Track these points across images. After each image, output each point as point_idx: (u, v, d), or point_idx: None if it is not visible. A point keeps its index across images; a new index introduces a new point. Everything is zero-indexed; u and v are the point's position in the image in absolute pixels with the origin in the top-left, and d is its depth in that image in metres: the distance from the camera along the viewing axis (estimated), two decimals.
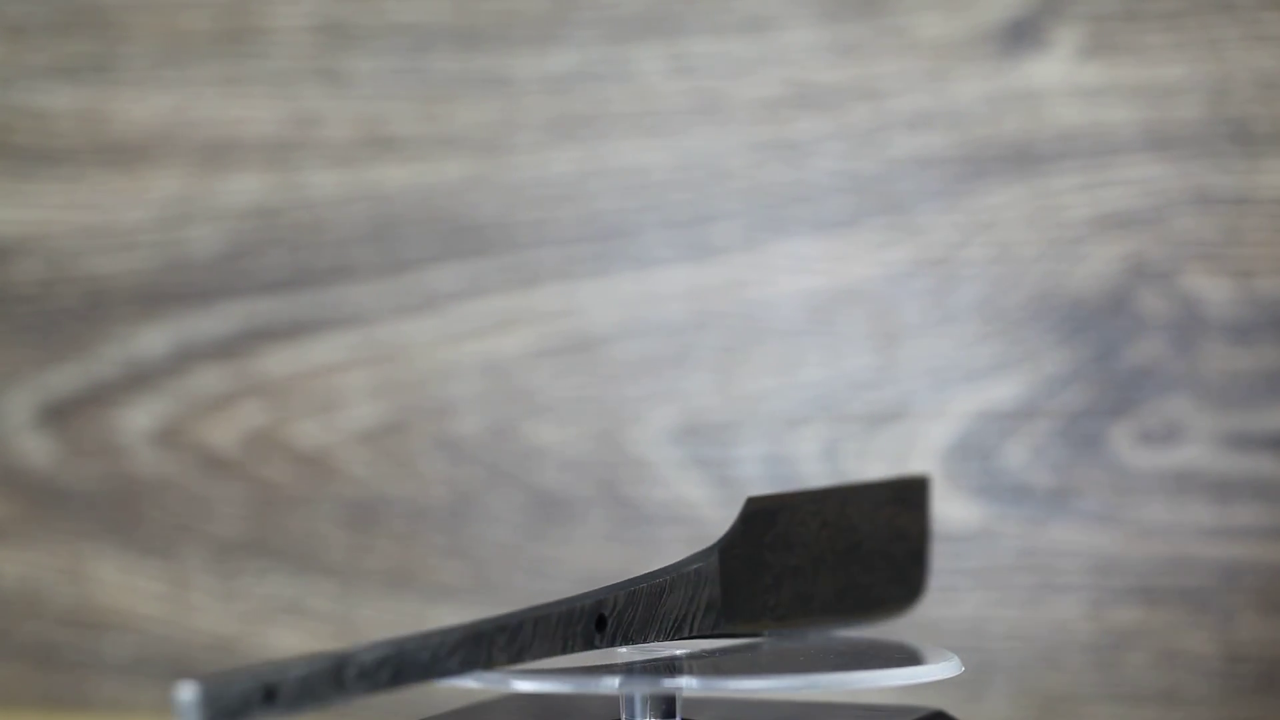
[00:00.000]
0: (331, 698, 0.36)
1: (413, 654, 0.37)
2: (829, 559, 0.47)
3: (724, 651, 0.44)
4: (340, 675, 0.36)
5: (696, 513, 0.67)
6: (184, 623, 0.71)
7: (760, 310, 0.66)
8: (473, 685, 0.39)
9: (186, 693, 0.34)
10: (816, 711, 0.46)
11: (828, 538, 0.47)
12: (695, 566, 0.43)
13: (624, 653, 0.45)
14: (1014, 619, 0.64)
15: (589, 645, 0.41)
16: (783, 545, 0.45)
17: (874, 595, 0.48)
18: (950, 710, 0.47)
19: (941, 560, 0.64)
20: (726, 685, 0.39)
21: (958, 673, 0.42)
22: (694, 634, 0.43)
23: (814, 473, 0.66)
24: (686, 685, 0.39)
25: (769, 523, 0.45)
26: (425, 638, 0.38)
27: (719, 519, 0.66)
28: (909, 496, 0.50)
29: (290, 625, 0.70)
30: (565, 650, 0.40)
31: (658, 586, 0.43)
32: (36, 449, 0.73)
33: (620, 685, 0.39)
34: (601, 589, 0.42)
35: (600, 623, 0.41)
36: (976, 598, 0.64)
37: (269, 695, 0.35)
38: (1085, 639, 0.63)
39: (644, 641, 0.43)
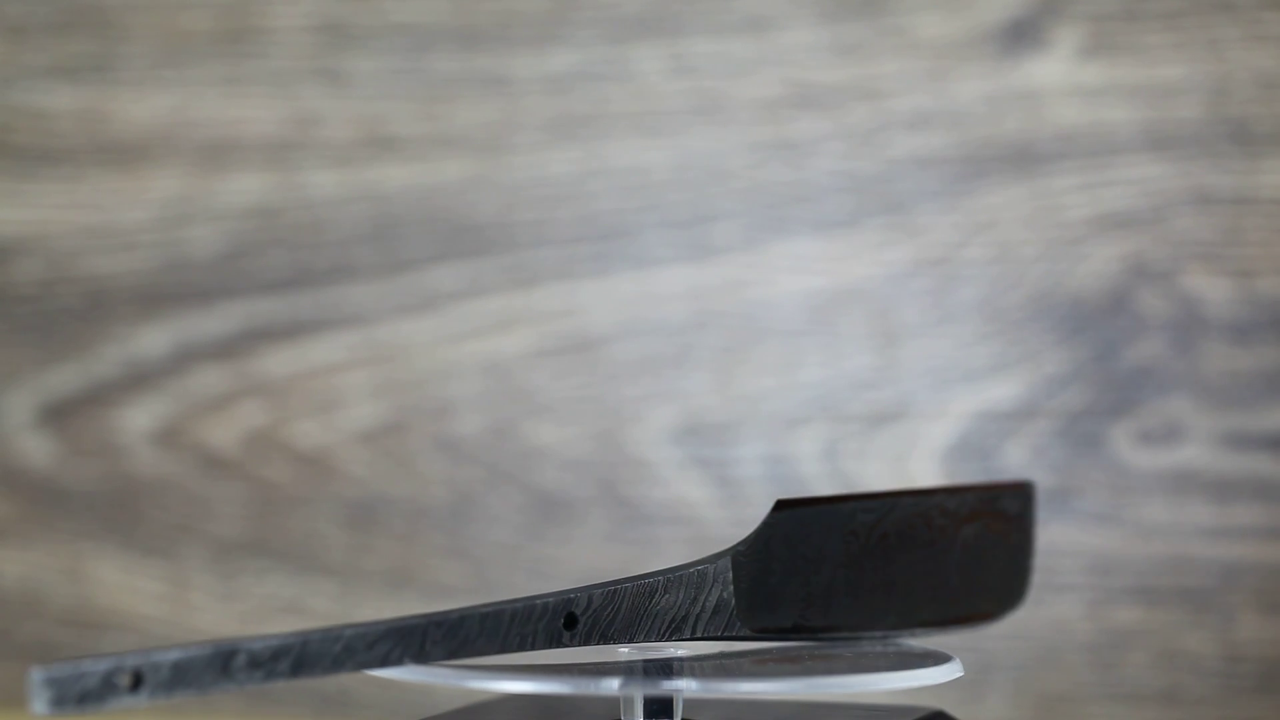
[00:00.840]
0: (215, 685, 0.37)
1: (318, 645, 0.39)
2: (889, 566, 0.45)
3: (725, 653, 0.44)
4: (227, 664, 0.37)
5: (696, 513, 0.67)
6: (184, 623, 0.71)
7: (760, 310, 0.66)
8: (459, 685, 0.39)
9: (38, 676, 0.34)
10: (816, 712, 0.46)
11: (887, 544, 0.45)
12: (698, 568, 0.43)
13: (625, 652, 0.45)
14: (1014, 619, 0.64)
15: (555, 643, 0.41)
16: (825, 551, 0.44)
17: (952, 605, 0.46)
18: (950, 710, 0.47)
19: None
20: (726, 687, 0.39)
21: (958, 676, 0.42)
22: (700, 636, 0.43)
23: (814, 473, 0.66)
24: (686, 687, 0.39)
25: (804, 527, 0.44)
26: (336, 630, 0.39)
27: (719, 519, 0.66)
28: (1005, 503, 0.47)
29: (290, 625, 0.70)
30: (526, 647, 0.41)
31: (646, 586, 0.43)
32: (36, 449, 0.73)
33: (620, 687, 0.39)
34: (577, 587, 0.42)
35: (570, 620, 0.42)
36: None
37: (136, 682, 0.36)
38: (1085, 639, 0.64)
39: (632, 641, 0.43)
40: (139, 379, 0.72)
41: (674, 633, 0.43)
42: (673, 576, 0.43)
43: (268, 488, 0.71)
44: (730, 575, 0.43)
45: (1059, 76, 0.64)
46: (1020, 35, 0.64)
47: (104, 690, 0.36)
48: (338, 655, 0.39)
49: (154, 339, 0.72)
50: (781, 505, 0.44)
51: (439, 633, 0.40)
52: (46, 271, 0.73)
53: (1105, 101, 0.63)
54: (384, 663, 0.39)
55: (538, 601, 0.41)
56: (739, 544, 0.43)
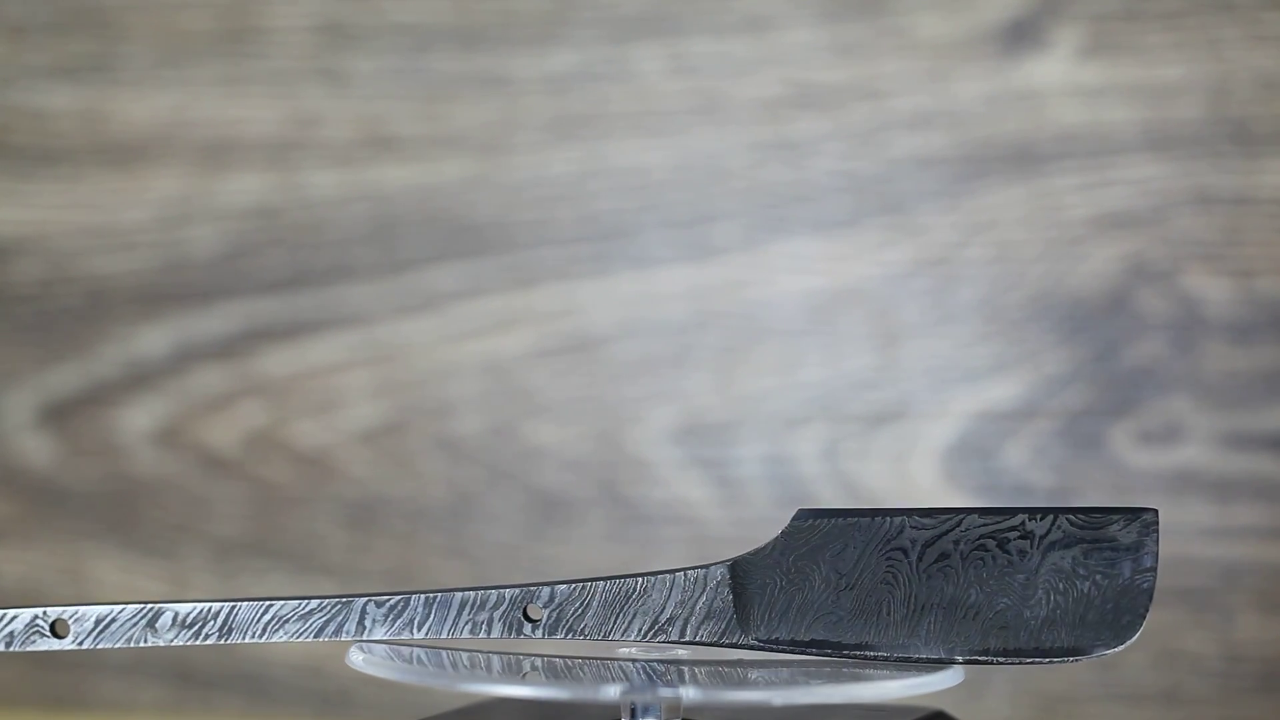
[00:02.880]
0: (140, 640, 0.44)
1: (246, 612, 0.44)
2: (955, 587, 0.42)
3: (727, 659, 0.44)
4: (153, 622, 0.44)
5: (696, 513, 0.67)
6: None
7: (760, 310, 0.66)
8: (457, 688, 0.40)
9: None
10: (816, 712, 0.46)
11: (942, 564, 0.42)
12: (690, 571, 0.43)
13: (625, 652, 0.45)
14: None
15: (516, 632, 0.43)
16: (857, 564, 0.42)
17: (1029, 636, 0.42)
18: (950, 710, 0.47)
19: None
20: (727, 696, 0.39)
21: (958, 681, 0.42)
22: (692, 640, 0.43)
23: (814, 473, 0.66)
24: (687, 695, 0.39)
25: (829, 539, 0.42)
26: (268, 600, 0.44)
27: (719, 519, 0.66)
28: (1115, 529, 0.42)
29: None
30: (480, 634, 0.43)
31: (623, 586, 0.43)
32: (36, 449, 0.73)
33: (622, 694, 0.39)
34: (543, 581, 0.44)
35: (529, 612, 0.43)
36: None
37: (55, 631, 0.44)
38: None
39: (611, 639, 0.43)
40: (139, 379, 0.72)
41: (657, 634, 0.43)
42: (659, 578, 0.43)
43: (268, 488, 0.71)
44: (727, 582, 0.43)
45: (1059, 76, 0.64)
46: (1020, 35, 0.64)
47: (28, 633, 0.44)
48: (267, 623, 0.44)
49: (154, 339, 0.72)
50: (804, 515, 0.43)
51: (380, 611, 0.43)
52: (46, 271, 0.73)
53: (1105, 101, 0.63)
54: (319, 634, 0.43)
55: (494, 590, 0.43)
56: (751, 552, 0.43)
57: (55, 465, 0.73)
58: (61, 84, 0.72)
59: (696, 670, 0.43)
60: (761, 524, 0.64)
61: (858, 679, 0.41)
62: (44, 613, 0.44)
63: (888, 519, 0.42)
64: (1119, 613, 0.41)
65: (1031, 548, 0.42)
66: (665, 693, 0.39)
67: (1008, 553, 0.42)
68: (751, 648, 0.42)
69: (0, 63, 0.73)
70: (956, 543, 0.42)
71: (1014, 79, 0.64)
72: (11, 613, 0.44)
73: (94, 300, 0.72)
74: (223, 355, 0.71)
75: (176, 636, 0.44)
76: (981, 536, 0.42)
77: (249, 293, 0.71)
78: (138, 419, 0.72)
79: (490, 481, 0.69)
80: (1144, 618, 0.42)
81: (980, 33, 0.64)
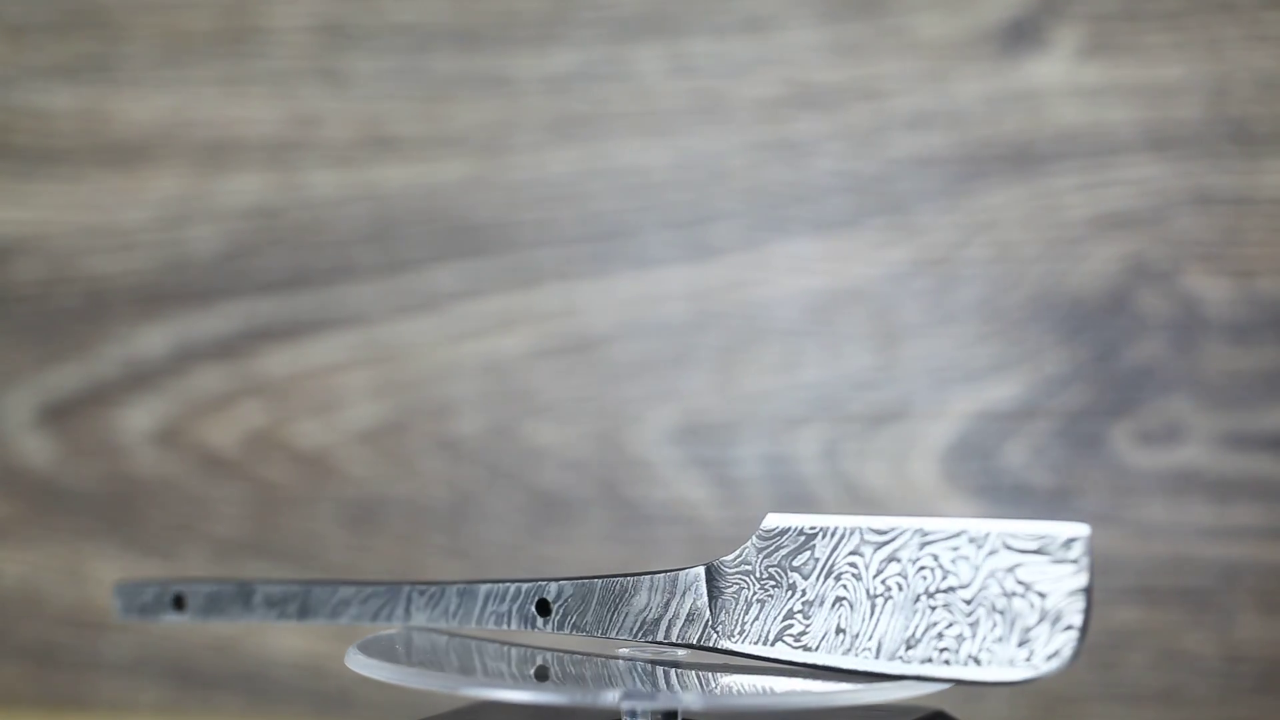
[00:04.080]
0: (237, 615, 0.50)
1: (319, 595, 0.49)
2: (897, 600, 0.40)
3: (729, 661, 0.44)
4: (248, 599, 0.50)
5: (696, 513, 0.67)
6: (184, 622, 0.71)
7: (760, 310, 0.66)
8: (456, 692, 0.40)
9: (116, 592, 0.52)
10: (817, 713, 0.46)
11: (895, 577, 0.40)
12: (669, 572, 0.43)
13: (624, 652, 0.46)
14: None
15: (531, 625, 0.45)
16: (822, 572, 0.41)
17: (963, 659, 0.40)
18: (950, 710, 0.47)
19: None
20: (726, 702, 0.39)
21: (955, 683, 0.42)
22: (674, 641, 0.43)
23: (814, 473, 0.66)
24: (685, 700, 0.39)
25: (798, 545, 0.42)
26: (335, 585, 0.49)
27: (719, 519, 0.66)
28: (1051, 549, 0.39)
29: (290, 625, 0.70)
30: (502, 625, 0.45)
31: (616, 585, 0.43)
32: (36, 449, 0.73)
33: (621, 700, 0.39)
34: (553, 577, 0.45)
35: (543, 607, 0.44)
36: None
37: (178, 602, 0.51)
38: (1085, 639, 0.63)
39: (604, 636, 0.43)
40: (139, 379, 0.72)
41: (645, 634, 0.43)
42: (641, 579, 0.43)
43: (268, 488, 0.71)
44: (703, 585, 0.43)
45: (1059, 76, 0.64)
46: (1020, 35, 0.64)
47: (156, 605, 0.51)
48: (335, 605, 0.49)
49: (154, 339, 0.72)
50: (772, 519, 0.42)
51: (421, 599, 0.46)
52: (46, 271, 0.73)
53: (1105, 101, 0.63)
54: (375, 618, 0.48)
55: (512, 584, 0.45)
56: (726, 556, 0.43)
57: (55, 465, 0.73)
58: (61, 84, 0.72)
59: (696, 673, 0.43)
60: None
61: (858, 683, 0.41)
62: (168, 587, 0.51)
63: (843, 526, 0.41)
64: (1049, 636, 0.39)
65: (971, 565, 0.40)
66: (663, 698, 0.39)
67: (950, 569, 0.40)
68: (728, 654, 0.42)
69: (0, 63, 0.73)
70: (901, 559, 0.40)
71: (1014, 79, 0.64)
72: (143, 584, 0.52)
73: (94, 300, 0.72)
74: (223, 355, 0.71)
75: (266, 614, 0.49)
76: (926, 551, 0.40)
77: (249, 293, 0.71)
78: (138, 419, 0.72)
79: (490, 481, 0.69)
80: (1079, 639, 0.39)
81: (980, 33, 0.64)
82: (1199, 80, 0.62)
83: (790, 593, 0.41)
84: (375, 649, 0.44)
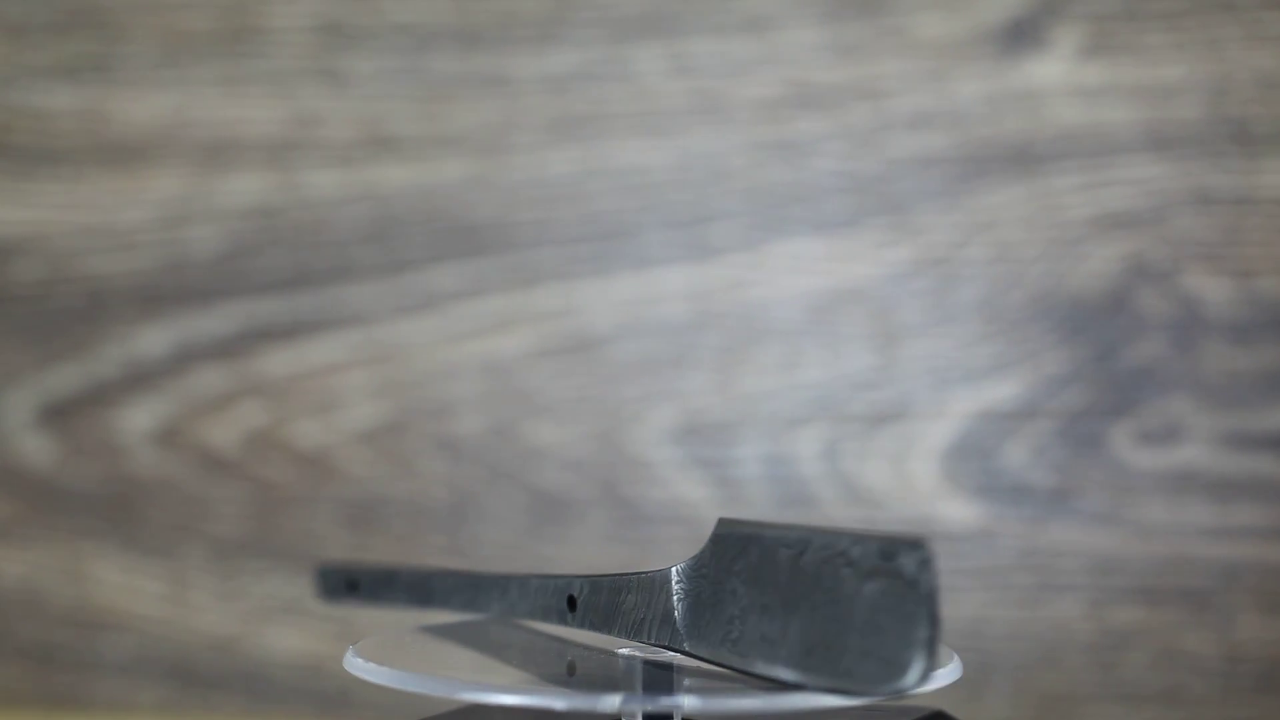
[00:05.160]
0: (401, 602, 0.53)
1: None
2: (800, 607, 0.39)
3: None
4: (421, 587, 0.52)
5: (696, 513, 0.67)
6: (184, 623, 0.71)
7: (760, 310, 0.66)
8: (455, 697, 0.40)
9: (316, 573, 0.57)
10: (816, 713, 0.46)
11: (800, 584, 0.39)
12: (650, 573, 0.43)
13: (625, 652, 0.46)
14: (1014, 619, 0.64)
15: (562, 621, 0.45)
16: (753, 578, 0.40)
17: (844, 665, 0.38)
18: (950, 710, 0.47)
19: (942, 560, 0.64)
20: (726, 704, 0.39)
21: (956, 677, 0.42)
22: (654, 642, 0.43)
23: (814, 473, 0.66)
24: (687, 704, 0.39)
25: (739, 550, 0.41)
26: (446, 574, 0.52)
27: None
28: (902, 561, 0.37)
29: (290, 625, 0.70)
30: (536, 618, 0.47)
31: (618, 583, 0.44)
32: (36, 449, 0.73)
33: (621, 704, 0.39)
34: (576, 574, 0.46)
35: (571, 603, 0.45)
36: (976, 598, 0.64)
37: (351, 586, 0.55)
38: (1085, 639, 0.63)
39: (610, 634, 0.43)
40: (139, 379, 0.72)
41: (635, 634, 0.43)
42: (633, 578, 0.43)
43: (268, 488, 0.71)
44: (673, 587, 0.43)
45: (1059, 76, 0.64)
46: (1020, 35, 0.64)
47: (338, 588, 0.56)
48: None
49: (154, 339, 0.72)
50: (723, 523, 0.42)
51: (495, 592, 0.49)
52: (46, 271, 0.73)
53: (1105, 101, 0.63)
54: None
55: (549, 581, 0.47)
56: (691, 559, 0.43)
57: (55, 465, 0.73)
58: (61, 84, 0.72)
59: (696, 676, 0.43)
60: None
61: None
62: (339, 569, 0.56)
63: (771, 533, 0.40)
64: (900, 649, 0.37)
65: (854, 576, 0.38)
66: (664, 703, 0.39)
67: (838, 579, 0.38)
68: (691, 656, 0.42)
69: (0, 63, 0.73)
70: (810, 565, 0.39)
71: (1014, 79, 0.64)
72: (328, 568, 0.56)
73: (94, 300, 0.72)
74: (223, 355, 0.71)
75: (442, 603, 0.51)
76: (821, 560, 0.39)
77: (249, 293, 0.71)
78: (138, 419, 0.72)
79: (490, 481, 0.69)
80: (920, 658, 0.37)
81: (980, 33, 0.64)
82: (1199, 80, 0.62)
83: (731, 598, 0.41)
84: (373, 651, 0.44)
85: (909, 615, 0.37)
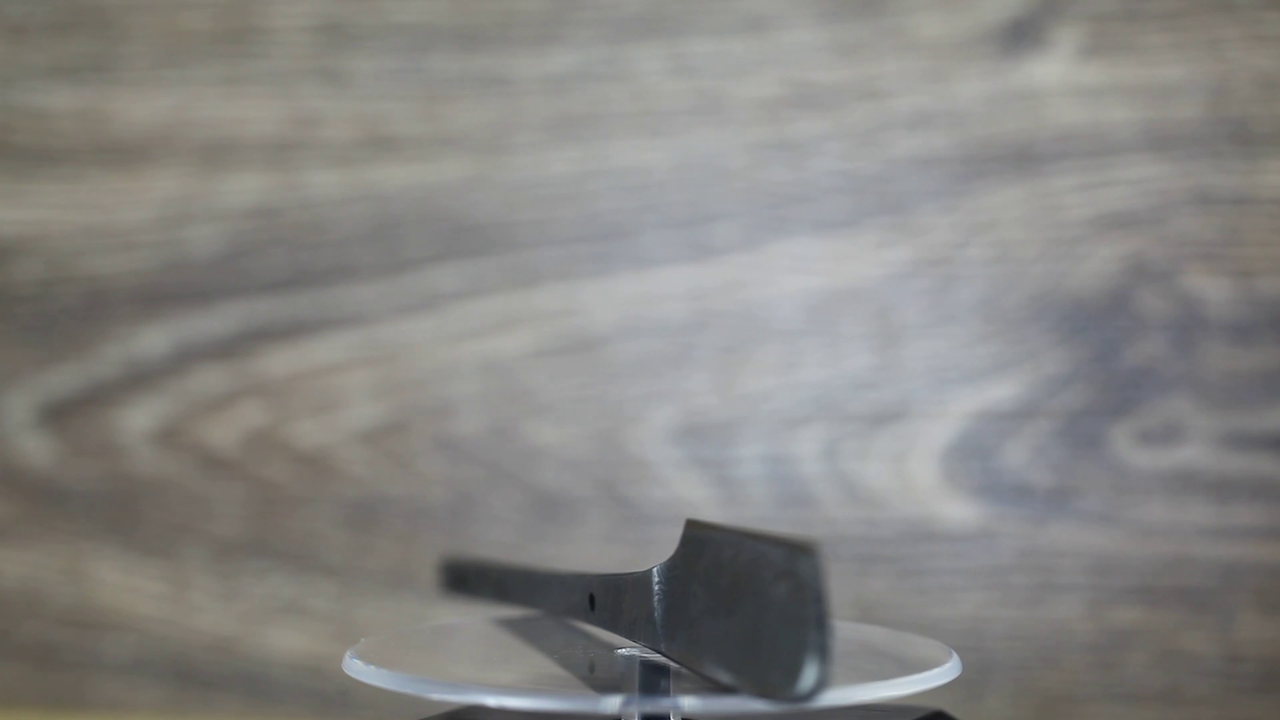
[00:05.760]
0: (491, 597, 0.55)
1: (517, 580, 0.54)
2: (735, 610, 0.39)
3: None
4: (504, 588, 0.55)
5: (696, 513, 0.67)
6: (184, 623, 0.71)
7: (760, 310, 0.66)
8: (455, 699, 0.40)
9: (439, 567, 0.61)
10: (817, 713, 0.46)
11: (737, 586, 0.39)
12: (637, 574, 0.43)
13: (623, 653, 0.46)
14: (1014, 619, 0.64)
15: (584, 618, 0.46)
16: (707, 580, 0.40)
17: (752, 669, 0.38)
18: (950, 710, 0.47)
19: (942, 560, 0.64)
20: (726, 705, 0.39)
21: (956, 675, 0.42)
22: (643, 642, 0.43)
23: (814, 473, 0.66)
24: (687, 705, 0.39)
25: (699, 552, 0.41)
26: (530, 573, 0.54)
27: (719, 519, 0.66)
28: (797, 564, 0.37)
29: (290, 625, 0.70)
30: (560, 614, 0.49)
31: (620, 582, 0.44)
32: (36, 449, 0.73)
33: (621, 705, 0.39)
34: (593, 573, 0.47)
35: (592, 601, 0.46)
36: (976, 598, 0.64)
37: (458, 580, 0.59)
38: (1085, 639, 0.63)
39: (618, 633, 0.44)
40: (139, 379, 0.72)
41: (629, 634, 0.43)
42: (628, 578, 0.43)
43: (268, 488, 0.71)
44: (653, 587, 0.43)
45: (1059, 76, 0.64)
46: (1020, 35, 0.64)
47: (451, 582, 0.59)
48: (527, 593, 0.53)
49: (154, 339, 0.72)
50: (690, 525, 0.42)
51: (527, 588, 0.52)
52: (46, 271, 0.73)
53: (1105, 101, 0.63)
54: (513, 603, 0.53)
55: (574, 579, 0.48)
56: (667, 560, 0.43)
57: (55, 465, 0.73)
58: (61, 84, 0.72)
59: (694, 677, 0.43)
60: (761, 524, 0.64)
61: (855, 683, 0.41)
62: (454, 564, 0.59)
63: (720, 536, 0.40)
64: (793, 653, 0.36)
65: (769, 578, 0.38)
66: (664, 704, 0.39)
67: (756, 581, 0.38)
68: (671, 659, 0.42)
69: (0, 63, 0.73)
70: (742, 567, 0.39)
71: (1014, 79, 0.64)
72: (452, 561, 0.59)
73: (94, 300, 0.72)
74: (223, 355, 0.71)
75: (519, 600, 0.53)
76: (746, 562, 0.38)
77: (249, 293, 0.71)
78: (138, 419, 0.72)
79: (490, 481, 0.69)
80: (808, 665, 0.36)
81: (980, 33, 0.64)
82: (1199, 80, 0.62)
83: (693, 599, 0.41)
84: (372, 653, 0.44)
85: (802, 619, 0.36)
